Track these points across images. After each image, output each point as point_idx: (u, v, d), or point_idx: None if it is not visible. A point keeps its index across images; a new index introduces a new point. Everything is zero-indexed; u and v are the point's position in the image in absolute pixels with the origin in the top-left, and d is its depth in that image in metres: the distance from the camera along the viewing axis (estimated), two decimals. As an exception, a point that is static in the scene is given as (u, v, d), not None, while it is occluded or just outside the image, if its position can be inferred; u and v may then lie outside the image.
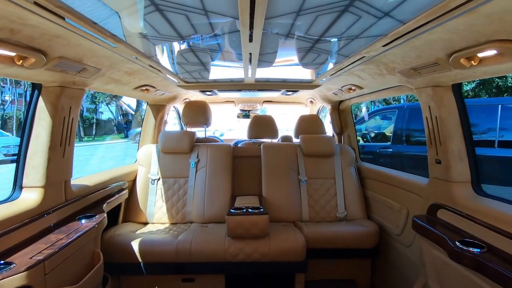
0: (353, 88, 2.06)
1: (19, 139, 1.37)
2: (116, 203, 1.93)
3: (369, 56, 1.33)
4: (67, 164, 1.49)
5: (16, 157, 1.37)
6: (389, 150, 4.90)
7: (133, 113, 15.74)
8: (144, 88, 2.03)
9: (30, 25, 0.87)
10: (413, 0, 0.76)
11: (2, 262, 1.01)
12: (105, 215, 1.57)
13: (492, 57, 0.96)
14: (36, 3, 0.75)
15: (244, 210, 1.82)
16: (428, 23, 0.87)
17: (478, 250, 1.08)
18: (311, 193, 2.36)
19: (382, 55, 1.29)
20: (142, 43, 1.21)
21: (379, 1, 0.79)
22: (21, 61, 0.99)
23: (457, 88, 1.38)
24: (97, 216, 1.51)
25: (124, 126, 19.58)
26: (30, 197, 1.30)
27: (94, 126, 18.90)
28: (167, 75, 1.88)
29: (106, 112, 20.43)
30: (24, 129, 1.33)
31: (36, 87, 1.31)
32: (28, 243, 1.16)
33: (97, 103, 18.89)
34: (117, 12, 0.88)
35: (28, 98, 1.52)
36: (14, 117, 15.61)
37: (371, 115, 5.79)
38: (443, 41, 1.01)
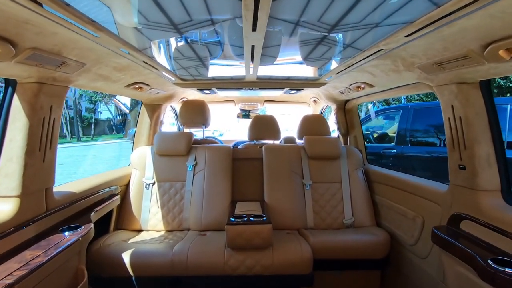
0: (363, 86, 1.91)
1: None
2: (106, 210, 1.78)
3: (387, 49, 1.18)
4: (48, 170, 1.33)
5: None
6: (393, 151, 4.77)
7: (128, 112, 15.58)
8: (137, 86, 1.87)
9: None
10: None
11: None
12: (92, 225, 1.42)
13: None
14: None
15: (246, 219, 1.68)
16: (469, 5, 0.72)
17: None
18: (316, 198, 2.21)
19: (402, 47, 1.14)
20: (129, 33, 1.06)
21: None
22: None
23: (485, 85, 1.23)
24: (83, 227, 1.36)
25: (119, 126, 19.42)
26: (3, 209, 1.15)
27: (92, 126, 18.73)
28: (162, 72, 1.73)
29: (105, 112, 20.25)
30: None
31: (10, 84, 1.16)
32: None
33: (94, 102, 18.70)
34: None
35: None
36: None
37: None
38: (479, 29, 0.86)
